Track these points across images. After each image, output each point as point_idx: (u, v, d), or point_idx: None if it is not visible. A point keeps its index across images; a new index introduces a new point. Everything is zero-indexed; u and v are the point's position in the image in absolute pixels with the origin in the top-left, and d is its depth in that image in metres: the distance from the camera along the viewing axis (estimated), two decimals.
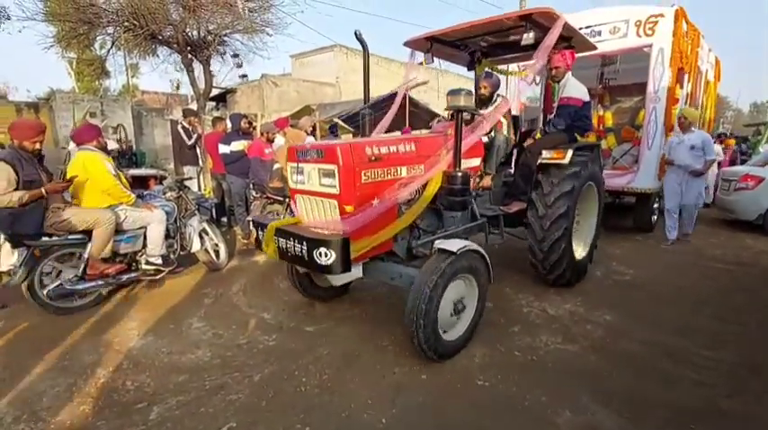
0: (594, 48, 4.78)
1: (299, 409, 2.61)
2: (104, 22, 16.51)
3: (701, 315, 4.03)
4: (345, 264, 2.92)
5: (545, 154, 4.27)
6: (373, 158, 3.15)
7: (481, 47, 4.93)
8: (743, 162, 10.70)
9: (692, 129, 6.16)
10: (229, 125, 7.61)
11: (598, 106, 8.35)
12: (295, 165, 3.36)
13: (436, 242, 3.17)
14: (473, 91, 3.52)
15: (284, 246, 3.19)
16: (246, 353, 3.40)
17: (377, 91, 7.76)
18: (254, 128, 8.26)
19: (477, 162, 4.26)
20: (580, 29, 6.37)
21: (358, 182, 3.07)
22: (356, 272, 3.33)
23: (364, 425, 2.53)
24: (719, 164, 9.64)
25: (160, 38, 17.32)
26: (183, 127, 8.05)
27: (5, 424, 2.57)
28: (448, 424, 2.55)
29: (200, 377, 3.05)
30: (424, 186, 3.47)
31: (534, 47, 3.87)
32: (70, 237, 4.00)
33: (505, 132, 4.64)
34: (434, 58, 4.79)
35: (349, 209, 3.08)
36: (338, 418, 2.59)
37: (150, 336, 3.69)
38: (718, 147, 9.67)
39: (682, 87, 6.43)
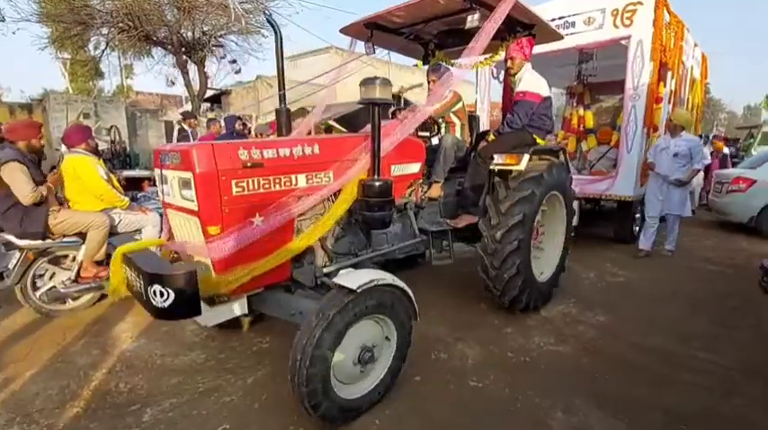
0: (560, 37, 4.33)
1: (292, 411, 2.59)
2: (98, 23, 16.47)
3: (695, 317, 4.02)
4: (189, 306, 2.21)
5: (497, 159, 3.78)
6: (250, 164, 2.48)
7: (433, 36, 4.38)
8: (734, 164, 10.61)
9: (682, 134, 5.75)
10: (224, 127, 7.62)
11: (578, 106, 8.00)
12: (159, 171, 2.75)
13: (340, 272, 2.58)
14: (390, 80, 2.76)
15: (130, 278, 2.51)
16: (240, 355, 3.37)
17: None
18: (249, 129, 8.28)
19: (415, 168, 3.62)
20: (552, 20, 5.96)
21: (226, 195, 2.41)
22: (236, 308, 2.68)
23: (358, 427, 2.51)
24: (708, 167, 9.41)
25: (155, 39, 17.32)
26: (182, 129, 8.04)
27: None
28: (441, 425, 2.55)
29: (194, 379, 3.03)
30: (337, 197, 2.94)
31: (497, 36, 3.57)
32: (64, 239, 3.96)
33: (458, 134, 4.17)
34: (384, 49, 4.42)
35: (213, 230, 2.42)
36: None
37: (143, 339, 3.66)
38: (706, 151, 9.52)
39: (665, 84, 6.15)
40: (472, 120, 4.66)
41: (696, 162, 5.61)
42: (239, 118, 8.97)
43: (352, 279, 2.39)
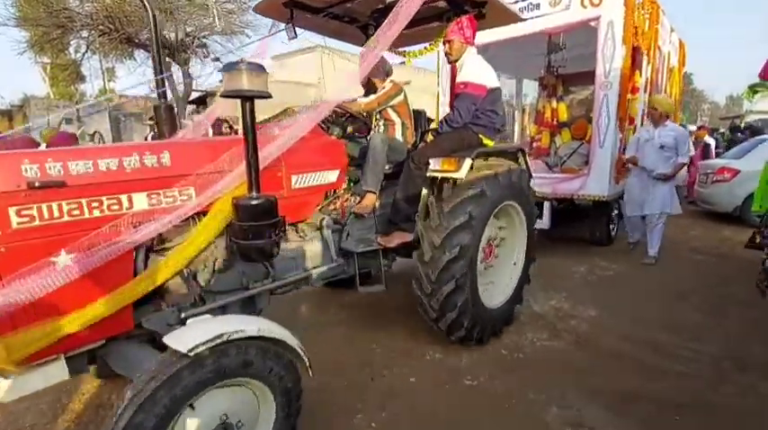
0: (518, 18, 3.68)
1: None
2: (78, 26, 16.04)
3: (683, 308, 4.02)
4: None
5: (432, 164, 3.09)
6: (39, 184, 1.74)
7: (369, 18, 3.61)
8: (717, 155, 10.34)
9: (666, 122, 5.14)
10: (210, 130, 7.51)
11: (551, 98, 7.39)
12: None
13: (189, 322, 2.00)
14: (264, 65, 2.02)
15: None
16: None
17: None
18: (236, 131, 8.22)
19: (332, 176, 2.94)
20: (515, 2, 5.34)
21: (3, 228, 1.67)
22: (52, 372, 1.88)
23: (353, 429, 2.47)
24: (691, 159, 9.35)
25: (137, 41, 16.97)
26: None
27: None
28: (437, 425, 2.52)
29: None
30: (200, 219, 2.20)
31: (440, 16, 3.09)
32: None
33: (399, 133, 3.48)
34: (318, 34, 3.92)
35: None
36: (327, 424, 2.52)
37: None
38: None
39: (641, 72, 5.56)
40: (419, 117, 3.90)
41: (682, 154, 5.03)
42: (225, 121, 8.75)
43: (188, 336, 1.72)
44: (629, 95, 5.63)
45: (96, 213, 1.91)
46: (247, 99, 1.98)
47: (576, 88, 7.53)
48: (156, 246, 2.19)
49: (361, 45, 3.70)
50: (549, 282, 4.58)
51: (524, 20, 3.79)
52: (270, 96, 1.99)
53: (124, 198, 1.99)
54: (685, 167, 8.67)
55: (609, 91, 5.14)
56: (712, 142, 10.75)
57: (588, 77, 6.40)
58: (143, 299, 2.04)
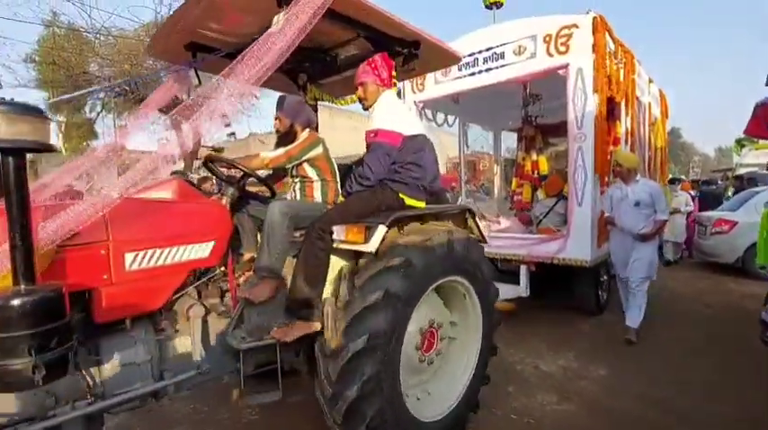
0: (457, 58, 3.10)
1: None
2: (97, 88, 16.57)
3: (695, 366, 3.73)
4: None
5: (336, 234, 2.30)
6: None
7: (299, 64, 3.02)
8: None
9: (637, 178, 4.34)
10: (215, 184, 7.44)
11: (531, 150, 6.69)
12: None
13: None
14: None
15: None
16: (229, 429, 3.01)
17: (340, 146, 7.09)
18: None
19: (203, 251, 2.13)
20: (479, 52, 4.85)
21: None
22: None
23: None
24: (688, 215, 8.44)
25: None
26: None
27: None
28: None
29: None
30: None
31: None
32: None
33: (318, 194, 2.72)
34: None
35: None
36: None
37: (122, 416, 2.87)
38: (686, 196, 8.41)
39: (620, 122, 4.97)
40: (350, 172, 2.86)
41: (660, 211, 4.21)
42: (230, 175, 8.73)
43: None
44: (611, 148, 5.06)
45: None
46: (7, 152, 1.32)
47: (557, 140, 6.84)
48: None
49: (288, 91, 3.21)
50: (554, 339, 4.27)
51: (461, 58, 3.18)
52: (50, 150, 1.38)
53: None
54: (684, 223, 8.15)
55: (583, 143, 4.42)
56: (693, 193, 9.92)
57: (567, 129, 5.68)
58: None
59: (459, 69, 5.02)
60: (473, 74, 4.96)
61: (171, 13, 3.72)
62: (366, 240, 2.20)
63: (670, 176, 9.24)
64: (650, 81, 6.24)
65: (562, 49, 4.39)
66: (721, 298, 5.85)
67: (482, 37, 4.95)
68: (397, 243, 2.24)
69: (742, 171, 13.08)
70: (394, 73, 2.66)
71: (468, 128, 7.15)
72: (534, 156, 6.69)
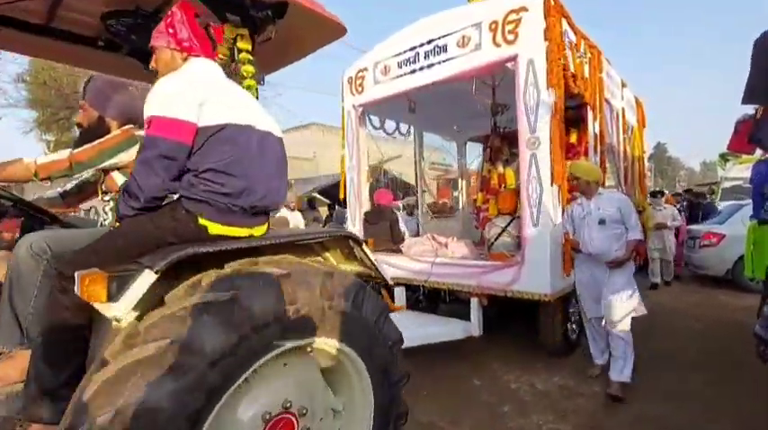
0: (341, 28, 2.14)
1: None
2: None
3: (692, 381, 3.46)
4: None
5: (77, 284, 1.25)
6: None
7: (122, 37, 2.13)
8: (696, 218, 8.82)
9: (600, 191, 3.35)
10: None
11: (497, 162, 5.76)
12: None
13: None
14: None
15: None
16: None
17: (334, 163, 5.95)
18: None
19: None
20: (420, 45, 3.96)
21: None
22: None
23: None
24: (677, 230, 7.38)
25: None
26: None
27: None
28: None
29: None
30: None
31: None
32: None
33: (105, 218, 1.92)
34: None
35: None
36: None
37: None
38: (673, 209, 7.24)
39: (585, 126, 4.04)
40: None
41: (632, 228, 3.19)
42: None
43: None
44: (583, 158, 4.15)
45: None
46: None
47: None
48: None
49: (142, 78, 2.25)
50: (549, 356, 3.91)
51: (345, 29, 2.16)
52: None
53: None
54: (673, 239, 6.99)
55: (537, 150, 3.43)
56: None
57: None
58: None
59: (400, 67, 4.13)
60: (413, 71, 4.02)
61: None
62: (110, 297, 1.23)
63: (652, 189, 8.18)
64: (623, 85, 5.27)
65: (510, 37, 3.44)
66: (713, 311, 5.58)
67: (423, 27, 4.02)
68: (181, 301, 1.26)
69: (727, 184, 12.42)
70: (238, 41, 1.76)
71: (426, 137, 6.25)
72: (501, 169, 5.73)
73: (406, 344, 1.88)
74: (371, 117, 4.96)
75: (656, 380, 3.48)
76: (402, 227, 5.35)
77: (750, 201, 6.10)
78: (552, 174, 3.39)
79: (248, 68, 2.03)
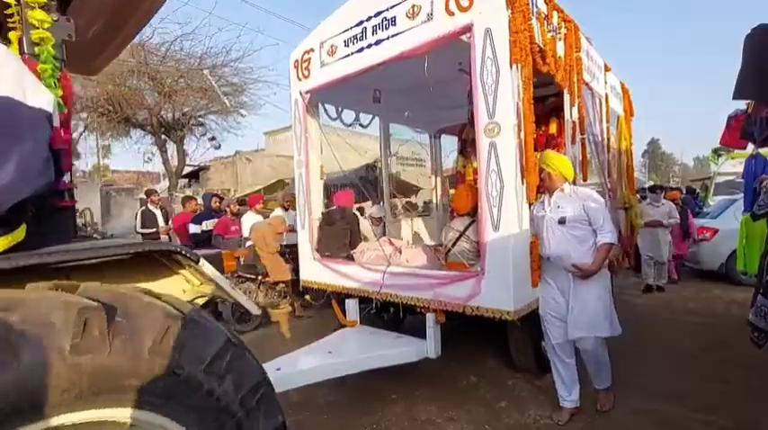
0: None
1: None
2: (78, 108, 15.29)
3: (686, 376, 3.42)
4: None
5: None
6: None
7: None
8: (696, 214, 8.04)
9: (563, 187, 2.65)
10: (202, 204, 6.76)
11: (471, 156, 4.81)
12: None
13: None
14: None
15: None
16: None
17: (346, 164, 5.32)
18: (229, 205, 6.57)
19: None
20: (368, 19, 3.26)
21: None
22: None
23: None
24: (688, 226, 6.67)
25: (134, 121, 16.05)
26: (146, 210, 6.42)
27: None
28: None
29: None
30: None
31: None
32: None
33: None
34: None
35: None
36: None
37: None
38: (670, 206, 6.21)
39: (562, 114, 3.42)
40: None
41: (601, 230, 2.51)
42: (215, 195, 7.58)
43: None
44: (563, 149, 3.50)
45: None
46: None
47: None
48: None
49: None
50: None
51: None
52: None
53: None
54: (668, 239, 6.12)
55: (497, 138, 2.69)
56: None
57: None
58: None
59: (347, 45, 3.44)
60: (361, 49, 3.34)
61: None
62: None
63: (651, 184, 7.50)
64: (607, 69, 4.52)
65: (465, 3, 2.74)
66: (707, 305, 5.50)
67: (367, 2, 3.32)
68: None
69: (720, 179, 11.61)
70: None
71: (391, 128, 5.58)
72: (475, 163, 4.99)
73: (348, 371, 1.50)
74: (327, 106, 4.27)
75: (653, 374, 3.44)
76: (370, 232, 4.68)
77: (742, 195, 5.53)
78: (520, 167, 2.70)
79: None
